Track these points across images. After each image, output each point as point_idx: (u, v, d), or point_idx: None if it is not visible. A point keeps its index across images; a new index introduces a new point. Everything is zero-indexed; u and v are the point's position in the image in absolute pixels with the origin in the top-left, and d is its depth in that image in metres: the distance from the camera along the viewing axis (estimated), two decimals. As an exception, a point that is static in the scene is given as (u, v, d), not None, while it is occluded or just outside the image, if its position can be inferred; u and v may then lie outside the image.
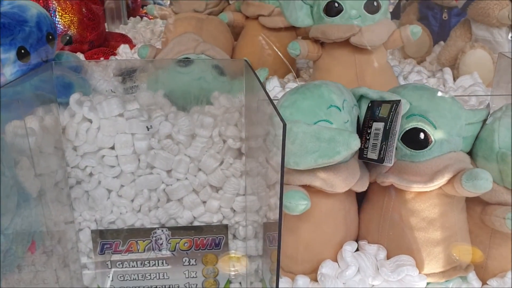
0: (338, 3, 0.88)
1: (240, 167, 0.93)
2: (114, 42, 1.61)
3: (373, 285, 0.62)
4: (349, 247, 0.65)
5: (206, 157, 0.91)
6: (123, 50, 1.51)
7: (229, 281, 1.02)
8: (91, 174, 0.91)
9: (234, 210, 0.97)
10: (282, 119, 0.48)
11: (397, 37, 0.95)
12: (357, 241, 0.73)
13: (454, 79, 1.16)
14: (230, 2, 1.50)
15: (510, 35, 1.12)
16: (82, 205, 0.92)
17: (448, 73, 1.17)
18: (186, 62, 0.96)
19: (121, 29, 2.05)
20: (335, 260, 0.65)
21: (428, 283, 0.64)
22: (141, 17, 2.45)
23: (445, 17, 1.44)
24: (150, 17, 2.39)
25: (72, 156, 0.89)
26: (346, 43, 0.91)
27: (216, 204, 0.95)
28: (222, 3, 1.44)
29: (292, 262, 0.66)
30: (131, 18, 2.35)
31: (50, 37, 0.93)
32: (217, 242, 0.98)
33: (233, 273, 1.01)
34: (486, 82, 1.14)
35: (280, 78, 1.20)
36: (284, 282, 0.64)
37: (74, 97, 0.87)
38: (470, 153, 0.68)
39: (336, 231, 0.66)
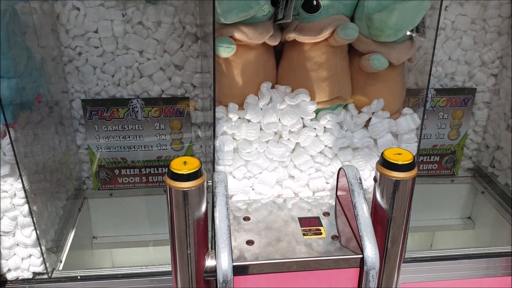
0: None
1: (197, 49, 1.19)
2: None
3: (281, 109, 0.90)
4: (266, 85, 0.92)
5: (170, 40, 1.17)
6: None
7: (191, 144, 1.30)
8: (80, 53, 1.16)
9: (194, 86, 1.24)
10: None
11: None
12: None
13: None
14: None
15: None
16: (74, 78, 1.18)
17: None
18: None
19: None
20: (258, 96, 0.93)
21: (318, 109, 0.92)
22: None
23: None
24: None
25: (65, 38, 1.14)
26: None
27: (179, 80, 1.22)
28: None
29: (228, 97, 0.93)
30: None
31: None
32: (181, 111, 1.26)
33: (194, 136, 1.29)
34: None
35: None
36: (220, 108, 0.91)
37: (65, -10, 1.11)
38: (353, 19, 0.95)
39: (257, 74, 0.92)
